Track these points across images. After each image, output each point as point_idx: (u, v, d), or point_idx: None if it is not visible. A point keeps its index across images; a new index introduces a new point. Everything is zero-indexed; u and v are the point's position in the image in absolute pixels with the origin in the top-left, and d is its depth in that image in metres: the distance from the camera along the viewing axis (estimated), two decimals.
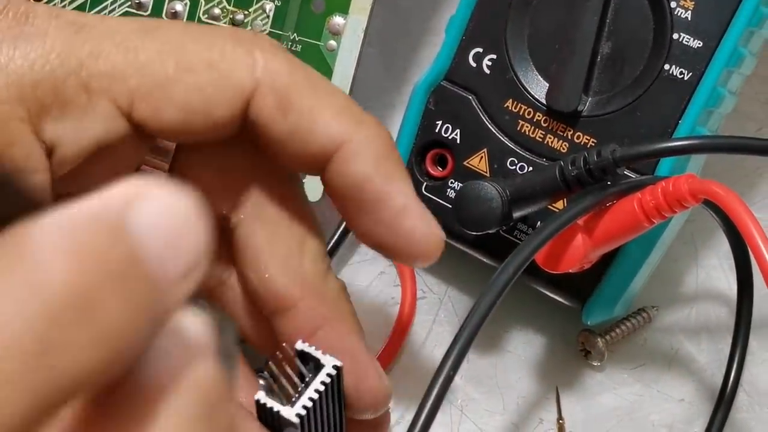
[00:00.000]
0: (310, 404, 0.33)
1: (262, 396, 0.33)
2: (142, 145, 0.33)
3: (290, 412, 0.32)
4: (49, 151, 0.31)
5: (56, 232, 0.17)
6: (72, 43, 0.31)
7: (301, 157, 0.32)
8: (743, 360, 0.42)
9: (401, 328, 0.44)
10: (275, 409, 0.33)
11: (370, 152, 0.32)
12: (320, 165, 0.33)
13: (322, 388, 0.33)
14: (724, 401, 0.42)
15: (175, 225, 0.18)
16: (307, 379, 0.33)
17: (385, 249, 0.34)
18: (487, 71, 0.41)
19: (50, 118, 0.30)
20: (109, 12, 0.42)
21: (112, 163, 0.32)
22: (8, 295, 0.16)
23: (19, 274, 0.16)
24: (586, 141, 0.40)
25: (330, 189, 0.33)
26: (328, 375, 0.33)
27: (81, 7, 0.41)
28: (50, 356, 0.16)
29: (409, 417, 0.33)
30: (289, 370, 0.33)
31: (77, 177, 0.32)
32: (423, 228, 0.33)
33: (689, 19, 0.39)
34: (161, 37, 0.31)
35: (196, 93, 0.31)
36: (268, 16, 0.42)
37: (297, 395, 0.33)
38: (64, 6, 0.42)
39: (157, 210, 0.18)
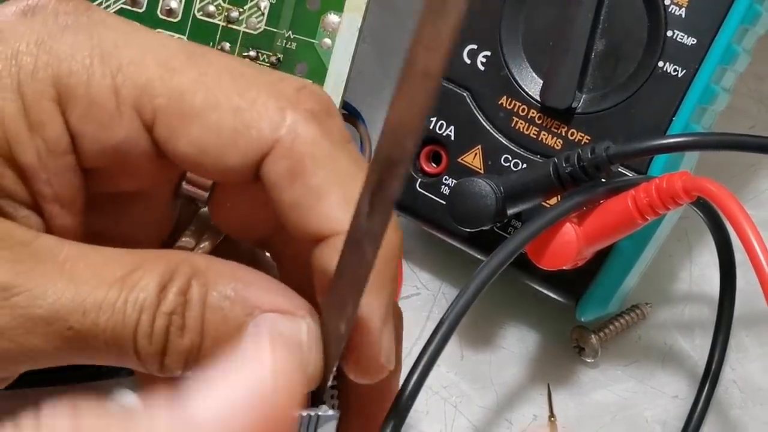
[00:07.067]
0: (336, 392, 0.32)
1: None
2: (168, 166, 0.32)
3: (326, 410, 0.32)
4: (72, 142, 0.31)
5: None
6: (117, 46, 0.30)
7: (297, 229, 0.31)
8: (724, 353, 0.43)
9: None
10: (312, 414, 0.32)
11: None
12: (312, 242, 0.31)
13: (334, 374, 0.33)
14: (702, 398, 0.42)
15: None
16: None
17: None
18: (482, 68, 0.42)
19: (77, 110, 0.30)
20: (105, 7, 0.42)
21: (140, 174, 0.32)
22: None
23: None
24: (580, 138, 0.40)
25: (309, 259, 0.31)
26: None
27: None
28: None
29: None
30: None
31: (103, 180, 0.32)
32: (377, 347, 0.30)
33: (683, 16, 0.39)
34: (202, 66, 0.30)
35: (212, 134, 0.30)
36: (263, 14, 0.42)
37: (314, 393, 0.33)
38: None
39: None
